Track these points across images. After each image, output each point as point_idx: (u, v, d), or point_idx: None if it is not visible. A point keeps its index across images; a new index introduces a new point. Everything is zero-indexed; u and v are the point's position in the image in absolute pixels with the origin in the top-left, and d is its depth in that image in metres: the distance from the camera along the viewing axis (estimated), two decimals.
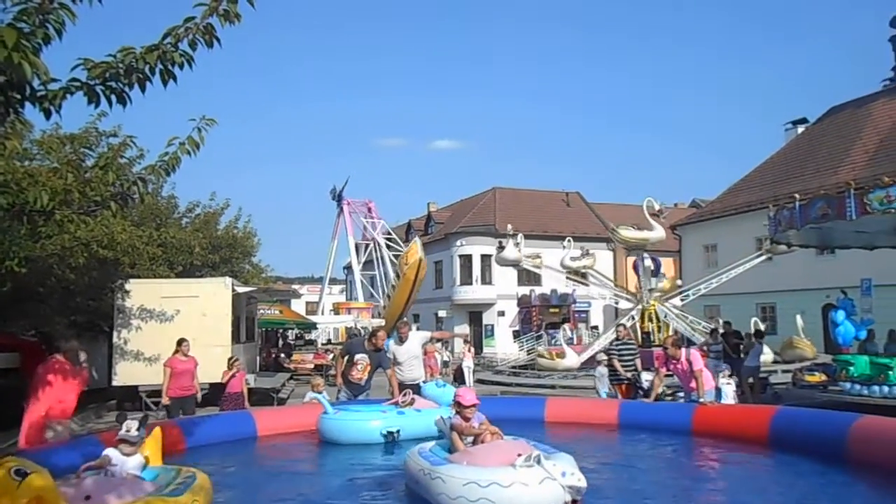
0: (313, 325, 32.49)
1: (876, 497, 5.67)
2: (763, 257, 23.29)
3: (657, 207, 25.55)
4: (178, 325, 13.66)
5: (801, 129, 34.83)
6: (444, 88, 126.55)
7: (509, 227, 25.01)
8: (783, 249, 20.17)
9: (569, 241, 25.58)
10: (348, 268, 44.52)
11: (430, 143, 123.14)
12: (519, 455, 4.70)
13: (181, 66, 4.21)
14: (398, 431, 7.60)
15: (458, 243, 38.73)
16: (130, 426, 4.70)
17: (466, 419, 5.51)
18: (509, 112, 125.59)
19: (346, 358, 9.24)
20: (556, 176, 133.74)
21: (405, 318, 23.34)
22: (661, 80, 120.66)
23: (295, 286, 57.53)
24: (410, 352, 9.31)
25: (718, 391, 9.44)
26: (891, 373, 11.36)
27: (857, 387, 11.70)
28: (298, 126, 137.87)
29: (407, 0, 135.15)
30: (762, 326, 22.76)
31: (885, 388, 11.30)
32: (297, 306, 50.48)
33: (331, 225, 44.12)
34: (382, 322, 39.87)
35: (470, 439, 5.44)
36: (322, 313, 41.18)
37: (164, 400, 9.57)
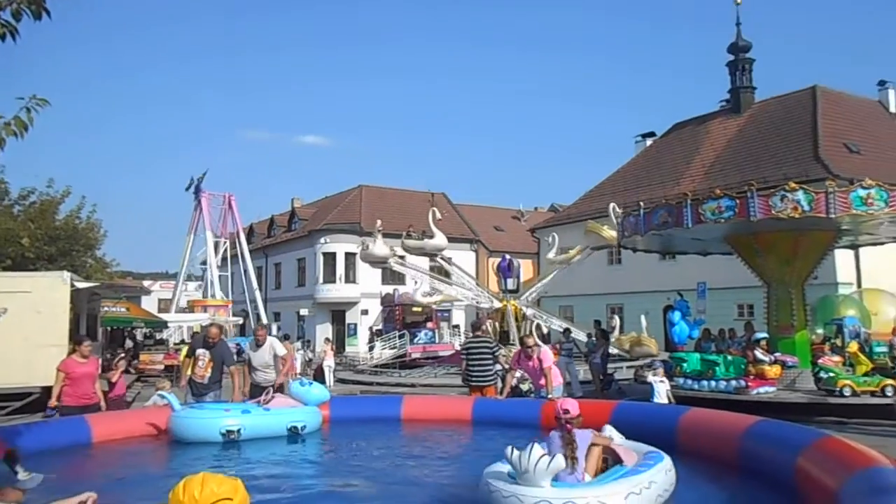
0: (164, 324, 30.75)
1: (705, 485, 6.17)
2: (555, 272, 24.72)
3: (438, 216, 26.40)
4: (7, 324, 12.64)
5: (649, 141, 37.37)
6: (313, 83, 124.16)
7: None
8: (578, 258, 21.72)
9: (377, 230, 25.58)
10: (206, 263, 42.56)
11: (296, 137, 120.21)
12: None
13: (2, 38, 3.88)
14: (239, 430, 7.42)
15: (323, 241, 38.15)
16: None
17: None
18: (378, 110, 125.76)
19: (192, 358, 8.85)
20: (422, 176, 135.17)
21: (263, 322, 22.42)
22: (529, 87, 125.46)
23: (147, 282, 54.26)
24: (263, 357, 9.13)
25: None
26: (718, 368, 12.43)
27: (690, 382, 12.68)
28: (157, 115, 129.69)
29: None
30: (650, 325, 24.08)
31: (713, 383, 12.35)
32: (149, 304, 47.61)
33: (188, 219, 41.90)
34: (238, 319, 38.54)
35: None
36: (176, 311, 39.08)
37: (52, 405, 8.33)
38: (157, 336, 33.25)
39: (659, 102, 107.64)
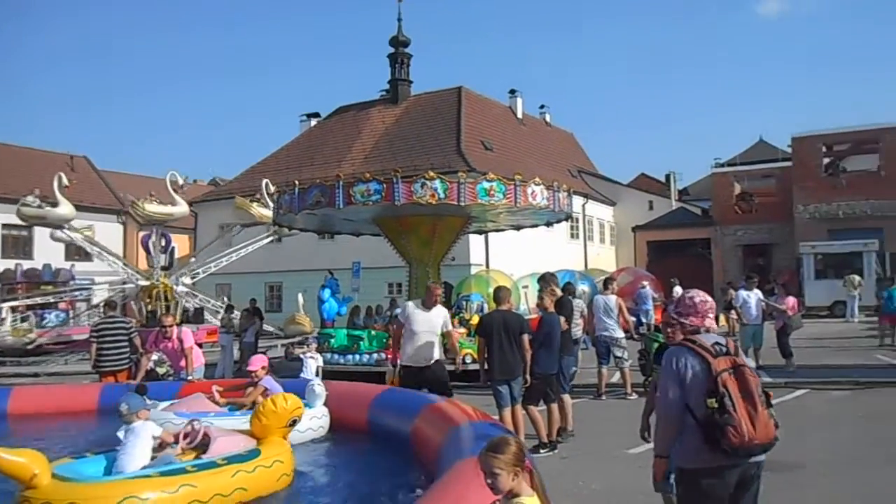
0: None
1: (343, 452, 6.47)
2: (268, 239, 24.60)
3: (181, 182, 24.86)
4: None
5: (314, 122, 37.89)
6: None
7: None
8: (284, 232, 21.69)
9: (36, 193, 22.68)
10: None
11: None
12: None
13: None
14: None
15: None
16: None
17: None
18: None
19: None
20: (59, 135, 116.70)
21: None
22: (188, 54, 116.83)
23: None
24: None
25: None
26: (362, 343, 13.16)
27: (337, 356, 13.19)
28: None
29: None
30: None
31: (358, 357, 13.04)
32: None
33: None
34: None
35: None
36: None
37: None
38: None
39: (324, 84, 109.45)
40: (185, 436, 4.88)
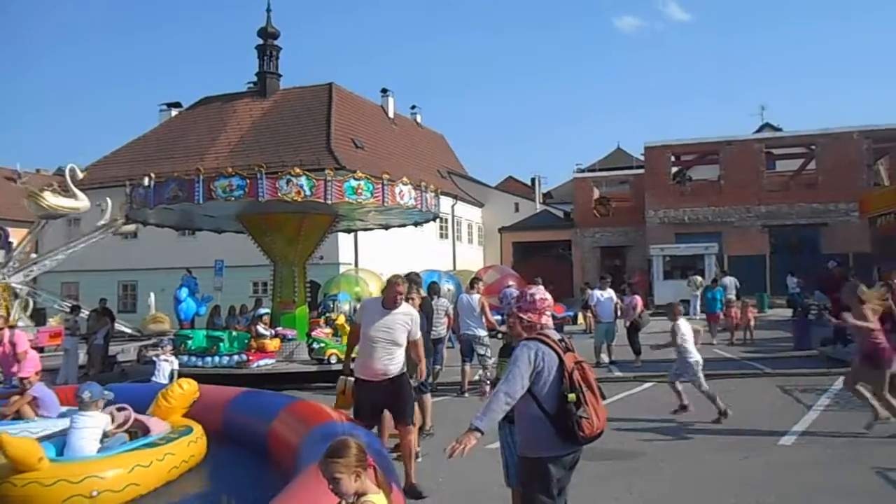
0: None
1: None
2: (100, 236, 23.08)
3: (80, 175, 22.81)
4: None
5: (174, 112, 35.98)
6: None
7: None
8: (130, 228, 20.32)
9: None
10: None
11: None
12: None
13: None
14: None
15: None
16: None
17: None
18: None
19: None
20: None
21: None
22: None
23: None
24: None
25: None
26: (222, 344, 12.64)
27: (195, 359, 12.58)
28: None
29: None
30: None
31: (217, 359, 12.51)
32: None
33: None
34: None
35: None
36: None
37: None
38: None
39: (187, 72, 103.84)
40: (114, 418, 5.55)
